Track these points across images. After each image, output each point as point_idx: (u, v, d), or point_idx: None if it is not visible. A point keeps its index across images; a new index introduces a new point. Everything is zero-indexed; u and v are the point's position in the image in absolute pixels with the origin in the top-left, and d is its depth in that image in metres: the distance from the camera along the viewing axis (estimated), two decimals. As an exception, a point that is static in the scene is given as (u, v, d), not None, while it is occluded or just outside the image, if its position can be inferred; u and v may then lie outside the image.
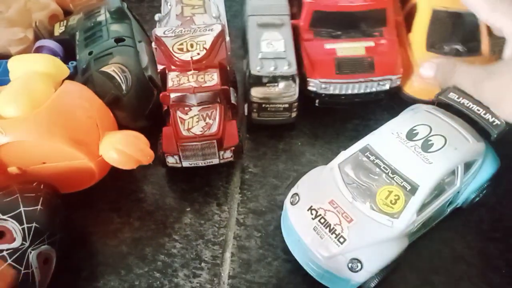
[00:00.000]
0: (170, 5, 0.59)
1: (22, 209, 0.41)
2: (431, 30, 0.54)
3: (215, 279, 0.45)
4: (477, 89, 0.41)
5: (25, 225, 0.41)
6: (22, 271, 0.39)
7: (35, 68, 0.47)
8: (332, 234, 0.40)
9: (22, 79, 0.45)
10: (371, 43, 0.55)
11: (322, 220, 0.41)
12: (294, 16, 0.58)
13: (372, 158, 0.43)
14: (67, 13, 0.66)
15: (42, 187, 0.44)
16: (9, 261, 0.39)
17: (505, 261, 0.45)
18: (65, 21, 0.63)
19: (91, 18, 0.60)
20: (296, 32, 0.56)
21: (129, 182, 0.52)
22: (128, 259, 0.46)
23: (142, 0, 0.72)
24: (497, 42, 0.49)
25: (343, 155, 0.45)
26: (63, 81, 0.48)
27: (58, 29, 0.62)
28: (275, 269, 0.45)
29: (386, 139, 0.44)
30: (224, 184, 0.52)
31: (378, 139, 0.44)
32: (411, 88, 0.55)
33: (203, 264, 0.46)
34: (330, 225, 0.40)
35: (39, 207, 0.42)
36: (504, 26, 0.40)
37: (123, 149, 0.45)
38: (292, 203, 0.43)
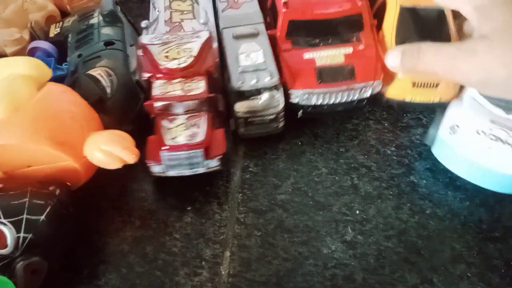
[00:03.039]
0: (158, 11, 0.59)
1: (25, 216, 0.40)
2: (399, 27, 0.54)
3: (215, 277, 0.45)
4: (453, 69, 0.38)
5: (21, 234, 0.39)
6: None
7: (17, 71, 0.46)
8: (506, 145, 0.45)
9: (3, 82, 0.44)
10: (349, 49, 0.54)
11: (493, 137, 0.46)
12: (269, 26, 0.57)
13: None
14: (65, 14, 0.66)
15: (57, 193, 0.44)
16: None
17: (504, 260, 0.46)
18: (60, 23, 0.63)
19: (84, 21, 0.60)
20: (273, 43, 0.55)
21: (130, 181, 0.52)
22: (129, 257, 0.47)
23: (143, 0, 0.72)
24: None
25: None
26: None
27: (54, 31, 0.62)
28: (275, 268, 0.45)
29: None
30: (224, 183, 0.52)
31: None
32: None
33: (203, 263, 0.46)
34: (501, 139, 0.46)
35: (42, 217, 0.41)
36: (459, 8, 0.39)
37: (108, 148, 0.45)
38: (452, 133, 0.48)
